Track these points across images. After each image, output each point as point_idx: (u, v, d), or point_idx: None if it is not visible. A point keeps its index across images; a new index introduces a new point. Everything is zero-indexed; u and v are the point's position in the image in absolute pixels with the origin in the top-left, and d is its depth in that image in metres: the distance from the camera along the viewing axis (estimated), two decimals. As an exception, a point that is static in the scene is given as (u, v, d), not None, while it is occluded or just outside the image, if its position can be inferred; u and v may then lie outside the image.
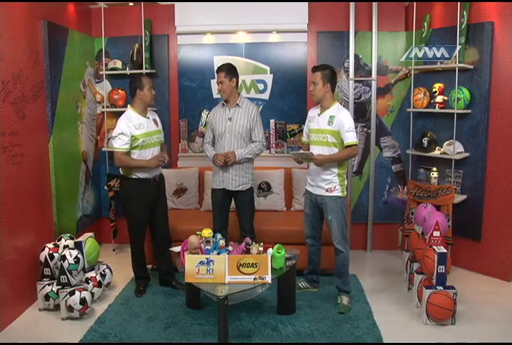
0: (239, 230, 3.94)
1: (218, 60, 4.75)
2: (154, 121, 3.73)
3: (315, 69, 3.49)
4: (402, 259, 4.24)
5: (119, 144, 3.51)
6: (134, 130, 3.52)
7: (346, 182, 3.51)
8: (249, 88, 4.81)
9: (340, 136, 3.38)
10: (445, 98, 4.25)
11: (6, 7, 3.28)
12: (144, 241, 3.80)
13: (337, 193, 3.45)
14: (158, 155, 3.62)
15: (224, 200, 3.89)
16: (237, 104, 3.77)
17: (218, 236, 3.32)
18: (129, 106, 3.67)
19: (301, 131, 4.54)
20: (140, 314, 3.44)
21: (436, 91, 4.29)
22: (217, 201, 3.89)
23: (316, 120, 3.51)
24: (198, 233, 3.28)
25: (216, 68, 3.86)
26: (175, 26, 4.74)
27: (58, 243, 3.73)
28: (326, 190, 3.46)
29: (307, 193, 3.66)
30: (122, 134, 3.49)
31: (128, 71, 4.75)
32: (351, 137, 3.35)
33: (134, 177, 3.62)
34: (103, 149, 4.90)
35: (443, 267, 3.28)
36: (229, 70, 3.74)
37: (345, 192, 3.49)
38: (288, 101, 4.78)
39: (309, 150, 3.53)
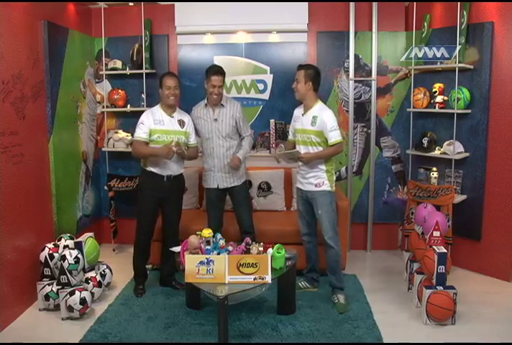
0: (239, 228, 3.94)
1: (218, 60, 4.75)
2: (181, 121, 3.69)
3: (299, 67, 3.55)
4: (402, 259, 4.24)
5: (136, 132, 3.61)
6: (152, 124, 3.58)
7: (334, 178, 3.58)
8: (249, 88, 4.81)
9: (324, 136, 3.44)
10: (445, 98, 4.25)
11: (6, 7, 3.28)
12: (150, 237, 3.79)
13: (326, 188, 3.52)
14: (175, 142, 3.54)
15: (218, 199, 3.89)
16: (222, 104, 3.77)
17: (219, 236, 3.32)
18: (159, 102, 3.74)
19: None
20: (140, 314, 3.44)
21: (436, 91, 4.29)
22: (211, 200, 3.90)
23: (300, 120, 3.57)
24: (198, 233, 3.28)
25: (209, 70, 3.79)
26: (175, 26, 4.74)
27: (58, 243, 3.73)
28: (315, 186, 3.53)
29: (298, 191, 3.71)
30: (142, 123, 3.60)
31: (128, 71, 4.75)
32: (334, 136, 3.41)
33: (148, 169, 3.66)
34: (103, 149, 4.89)
35: (443, 267, 3.28)
36: (224, 73, 3.74)
37: (333, 188, 3.55)
38: (288, 101, 4.77)
39: (295, 148, 3.61)
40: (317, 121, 3.44)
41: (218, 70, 3.72)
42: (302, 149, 3.54)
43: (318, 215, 3.56)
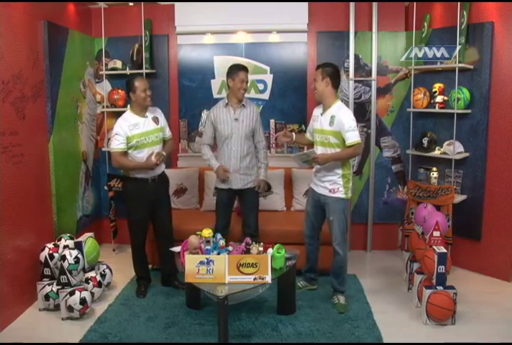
0: (242, 229, 3.93)
1: (218, 60, 4.76)
2: (155, 119, 3.67)
3: (317, 67, 3.48)
4: (402, 259, 4.24)
5: (114, 144, 3.53)
6: (128, 131, 3.51)
7: (350, 184, 3.47)
8: (249, 88, 4.76)
9: (342, 137, 3.34)
10: (445, 98, 4.25)
11: (6, 7, 3.28)
12: (144, 241, 3.80)
13: (340, 195, 3.43)
14: (154, 154, 3.53)
15: (230, 200, 3.89)
16: (243, 104, 3.78)
17: (218, 236, 3.32)
18: (128, 106, 3.69)
19: (301, 131, 4.56)
20: (140, 314, 3.44)
21: (436, 91, 4.28)
22: (222, 201, 3.88)
23: (319, 120, 3.48)
24: (198, 233, 3.28)
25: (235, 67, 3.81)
26: (175, 26, 4.74)
27: (58, 243, 3.73)
28: (330, 191, 3.44)
29: (311, 191, 3.65)
30: (117, 134, 3.51)
31: (128, 71, 4.74)
32: (352, 137, 3.30)
33: (131, 176, 3.63)
34: (103, 149, 4.90)
35: (443, 267, 3.28)
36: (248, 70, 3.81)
37: (348, 195, 3.46)
38: (288, 101, 4.78)
39: (306, 144, 3.68)
40: (335, 121, 3.33)
41: (245, 67, 3.76)
42: (319, 151, 3.44)
43: (329, 221, 3.51)
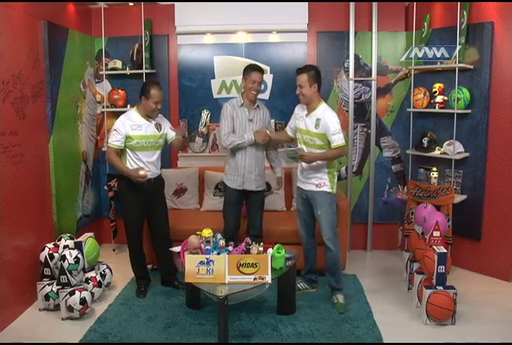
0: (247, 230, 3.93)
1: (218, 60, 4.76)
2: (157, 125, 3.63)
3: (299, 71, 3.46)
4: (402, 259, 4.24)
5: (111, 139, 3.53)
6: (129, 130, 3.51)
7: (335, 180, 3.55)
8: (249, 88, 4.81)
9: (327, 139, 3.39)
10: (445, 98, 4.26)
11: (6, 7, 3.28)
12: (141, 241, 3.79)
13: (326, 189, 3.49)
14: (140, 170, 3.47)
15: (240, 201, 3.87)
16: (258, 105, 3.78)
17: (219, 236, 3.32)
18: (136, 105, 3.67)
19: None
20: (140, 314, 3.44)
21: (436, 91, 4.29)
22: (232, 201, 3.84)
23: (304, 121, 3.51)
24: (198, 233, 3.29)
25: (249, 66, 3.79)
26: (175, 26, 4.74)
27: (58, 243, 3.73)
28: (316, 186, 3.50)
29: (298, 190, 3.70)
30: (116, 130, 3.51)
31: (128, 71, 4.75)
32: (337, 140, 3.35)
33: (126, 175, 3.59)
34: (103, 149, 4.89)
35: (443, 267, 3.28)
36: (263, 72, 3.80)
37: (334, 189, 3.52)
38: (288, 101, 4.77)
39: (285, 140, 3.77)
40: (320, 123, 3.39)
41: (259, 68, 3.74)
42: (304, 150, 3.50)
43: (317, 216, 3.54)
